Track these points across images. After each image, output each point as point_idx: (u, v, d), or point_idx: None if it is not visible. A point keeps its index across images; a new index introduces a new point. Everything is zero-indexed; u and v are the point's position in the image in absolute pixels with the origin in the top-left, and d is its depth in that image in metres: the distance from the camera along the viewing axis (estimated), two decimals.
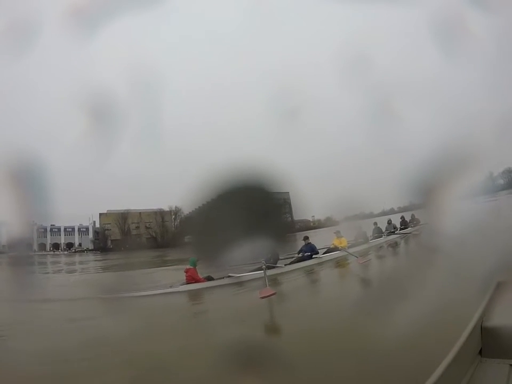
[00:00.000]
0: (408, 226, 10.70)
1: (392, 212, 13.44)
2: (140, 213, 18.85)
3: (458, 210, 5.89)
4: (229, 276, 6.70)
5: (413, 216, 10.91)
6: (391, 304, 3.65)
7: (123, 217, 18.16)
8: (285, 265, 7.85)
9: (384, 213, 13.26)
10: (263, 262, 6.72)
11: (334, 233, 8.99)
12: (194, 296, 6.21)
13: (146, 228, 18.83)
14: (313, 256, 8.44)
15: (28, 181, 7.19)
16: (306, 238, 8.78)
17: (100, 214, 17.04)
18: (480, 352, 1.81)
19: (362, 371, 2.75)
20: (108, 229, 17.50)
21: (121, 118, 8.85)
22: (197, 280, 6.48)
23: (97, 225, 17.28)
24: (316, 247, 8.66)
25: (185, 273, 6.56)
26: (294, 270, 7.59)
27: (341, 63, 9.72)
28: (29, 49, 9.33)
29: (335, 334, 3.64)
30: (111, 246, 17.48)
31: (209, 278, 6.68)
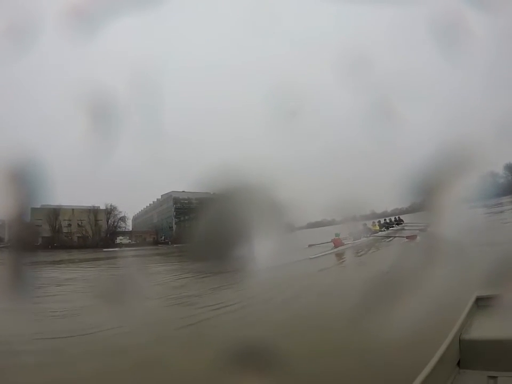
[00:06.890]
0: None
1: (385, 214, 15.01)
2: (73, 209, 18.11)
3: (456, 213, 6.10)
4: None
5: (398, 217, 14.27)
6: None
7: (55, 213, 17.29)
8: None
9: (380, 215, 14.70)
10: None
11: (373, 222, 12.78)
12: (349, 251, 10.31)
13: (79, 226, 18.24)
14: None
15: None
16: None
17: (32, 209, 15.90)
18: (458, 364, 1.87)
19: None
20: (38, 225, 16.36)
21: (120, 118, 9.28)
22: (342, 244, 10.65)
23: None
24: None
25: (333, 241, 10.61)
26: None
27: (340, 63, 10.46)
28: (29, 50, 9.24)
29: None
30: (39, 243, 16.43)
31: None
